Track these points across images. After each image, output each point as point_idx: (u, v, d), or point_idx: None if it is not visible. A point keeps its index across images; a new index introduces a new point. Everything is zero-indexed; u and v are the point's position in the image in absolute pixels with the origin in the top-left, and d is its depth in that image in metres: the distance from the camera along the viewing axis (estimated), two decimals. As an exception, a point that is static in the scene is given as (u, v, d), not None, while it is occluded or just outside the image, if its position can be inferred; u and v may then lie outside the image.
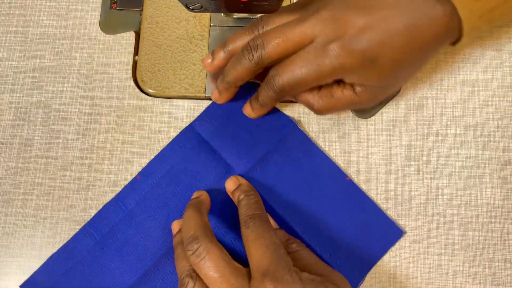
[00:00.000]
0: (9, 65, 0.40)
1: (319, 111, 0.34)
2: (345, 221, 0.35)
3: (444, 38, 0.31)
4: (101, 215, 0.36)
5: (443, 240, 0.35)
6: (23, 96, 0.40)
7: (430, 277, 0.35)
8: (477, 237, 0.35)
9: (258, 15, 0.39)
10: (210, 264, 0.29)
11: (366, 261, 0.34)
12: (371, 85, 0.32)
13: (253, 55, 0.32)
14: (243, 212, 0.32)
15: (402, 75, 0.33)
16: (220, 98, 0.36)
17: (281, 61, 0.32)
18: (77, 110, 0.39)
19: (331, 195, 0.36)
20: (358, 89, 0.32)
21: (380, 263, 0.35)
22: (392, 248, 0.35)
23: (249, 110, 0.36)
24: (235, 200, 0.34)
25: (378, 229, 0.35)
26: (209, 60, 0.35)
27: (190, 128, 0.38)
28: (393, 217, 0.36)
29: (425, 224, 0.36)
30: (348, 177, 0.36)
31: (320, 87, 0.34)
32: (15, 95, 0.40)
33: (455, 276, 0.35)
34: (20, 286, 0.35)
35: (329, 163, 0.36)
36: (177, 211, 0.36)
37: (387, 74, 0.31)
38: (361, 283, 0.34)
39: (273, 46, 0.31)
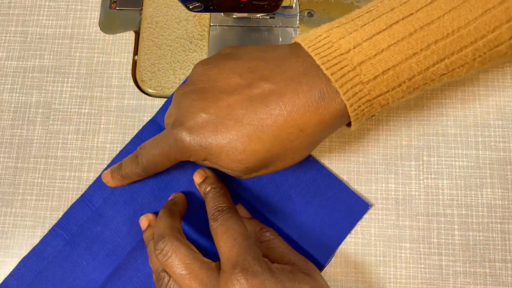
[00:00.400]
0: (9, 65, 0.40)
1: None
2: (312, 199, 0.36)
3: (329, 124, 0.29)
4: (68, 215, 0.36)
5: (443, 240, 0.35)
6: (22, 96, 0.40)
7: (430, 277, 0.35)
8: (477, 238, 0.35)
9: (258, 15, 0.39)
10: (177, 262, 0.29)
11: (334, 237, 0.35)
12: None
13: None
14: (211, 205, 0.32)
15: (271, 164, 0.30)
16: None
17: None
18: (76, 110, 0.39)
19: (296, 176, 0.36)
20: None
21: (380, 263, 0.35)
22: (393, 248, 0.35)
23: (108, 178, 0.35)
24: (201, 192, 0.34)
25: (344, 205, 0.35)
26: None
27: (153, 122, 0.38)
28: (393, 217, 0.36)
29: (425, 224, 0.35)
30: (312, 156, 0.36)
31: None
32: (14, 95, 0.40)
33: (456, 277, 0.35)
34: None
35: None
36: (145, 204, 0.36)
37: (246, 166, 0.29)
38: (330, 260, 0.35)
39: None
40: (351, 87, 0.27)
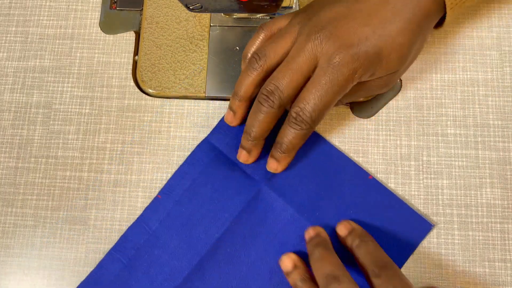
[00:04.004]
0: (9, 65, 0.40)
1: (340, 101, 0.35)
2: (372, 220, 0.35)
3: (433, 12, 0.32)
4: (125, 238, 0.36)
5: (443, 240, 0.35)
6: (23, 96, 0.40)
7: (430, 277, 0.35)
8: (477, 237, 0.35)
9: (258, 15, 0.39)
10: None
11: (397, 259, 0.34)
12: (384, 75, 0.33)
13: (273, 101, 0.32)
14: (368, 260, 0.31)
15: (409, 56, 0.33)
16: (251, 157, 0.35)
17: (297, 95, 0.32)
18: (77, 110, 0.39)
19: (354, 195, 0.35)
20: (373, 78, 0.33)
21: (380, 263, 0.35)
22: (392, 248, 0.35)
23: (275, 165, 0.34)
24: (348, 245, 0.33)
25: (406, 225, 0.35)
26: (231, 114, 0.35)
27: (206, 142, 0.37)
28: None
29: (425, 224, 0.36)
30: (370, 175, 0.36)
31: None
32: (15, 95, 0.40)
33: (455, 276, 0.35)
34: None
35: (348, 162, 0.36)
36: (201, 226, 0.35)
37: (395, 64, 0.32)
38: None
39: (287, 85, 0.31)
40: None
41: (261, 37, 0.34)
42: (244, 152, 0.35)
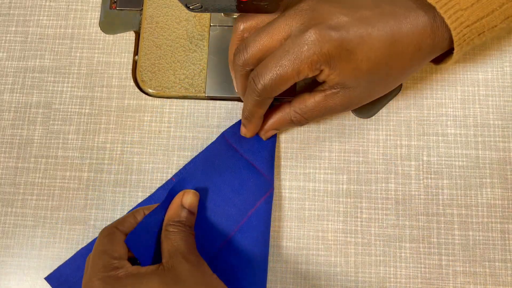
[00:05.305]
0: (9, 65, 0.40)
1: (298, 122, 0.34)
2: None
3: (429, 49, 0.31)
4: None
5: (443, 240, 0.35)
6: (23, 96, 0.40)
7: (430, 277, 0.35)
8: (477, 237, 0.35)
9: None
10: None
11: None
12: (343, 84, 0.31)
13: (239, 57, 0.32)
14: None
15: (377, 80, 0.32)
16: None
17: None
18: (77, 110, 0.39)
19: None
20: (328, 92, 0.32)
21: (380, 263, 0.35)
22: (393, 248, 0.35)
23: (244, 130, 0.36)
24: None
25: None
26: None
27: (222, 137, 0.37)
28: (393, 217, 0.36)
29: (425, 224, 0.36)
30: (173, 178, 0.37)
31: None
32: (15, 95, 0.40)
33: (455, 276, 0.35)
34: (45, 278, 0.35)
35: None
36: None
37: (362, 73, 0.31)
38: None
39: (253, 44, 0.31)
40: (454, 13, 0.30)
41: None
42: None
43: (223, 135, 0.37)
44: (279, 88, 0.31)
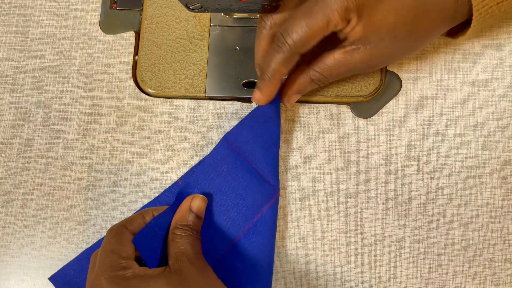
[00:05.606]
0: (9, 65, 0.40)
1: (318, 81, 0.34)
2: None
3: (451, 13, 0.31)
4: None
5: (443, 240, 0.35)
6: (23, 96, 0.40)
7: (430, 277, 0.35)
8: (477, 237, 0.35)
9: (258, 15, 0.39)
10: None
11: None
12: (366, 39, 0.31)
13: (267, 17, 0.32)
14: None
15: (400, 38, 0.32)
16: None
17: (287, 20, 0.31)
18: (77, 110, 0.39)
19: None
20: (349, 48, 0.32)
21: (380, 263, 0.35)
22: (392, 248, 0.35)
23: (257, 94, 0.34)
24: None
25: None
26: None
27: (225, 140, 0.37)
28: (393, 217, 0.36)
29: (425, 224, 0.36)
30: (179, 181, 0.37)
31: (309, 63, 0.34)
32: (15, 95, 0.40)
33: (455, 276, 0.35)
34: (49, 278, 0.35)
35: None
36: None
37: (388, 25, 0.31)
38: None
39: (284, 5, 0.31)
40: None
41: None
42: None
43: (225, 138, 0.37)
44: (309, 42, 0.31)
